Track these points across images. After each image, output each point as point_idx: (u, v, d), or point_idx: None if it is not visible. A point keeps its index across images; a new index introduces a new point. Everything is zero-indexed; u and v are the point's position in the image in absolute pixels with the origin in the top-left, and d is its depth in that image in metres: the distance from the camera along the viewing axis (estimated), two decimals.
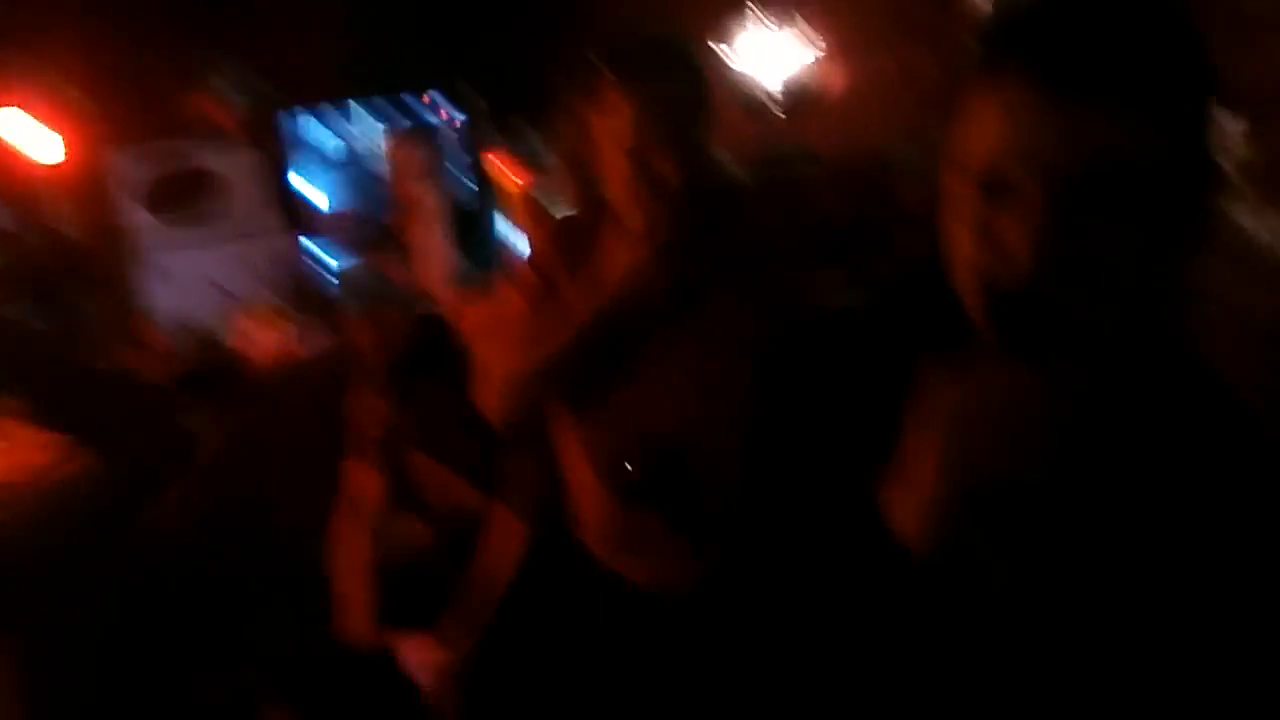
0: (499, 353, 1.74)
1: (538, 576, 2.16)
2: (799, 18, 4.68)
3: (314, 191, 4.52)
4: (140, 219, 3.63)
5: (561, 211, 2.42)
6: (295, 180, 4.36)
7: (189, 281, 3.15)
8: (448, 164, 3.62)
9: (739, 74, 4.70)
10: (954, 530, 0.76)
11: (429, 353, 2.16)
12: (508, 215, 3.02)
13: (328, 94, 4.50)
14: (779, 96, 4.77)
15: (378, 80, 4.43)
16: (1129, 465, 0.79)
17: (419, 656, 2.09)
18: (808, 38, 4.72)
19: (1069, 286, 0.72)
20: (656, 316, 1.62)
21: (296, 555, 2.60)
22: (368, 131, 4.61)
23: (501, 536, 2.21)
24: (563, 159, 1.76)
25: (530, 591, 2.13)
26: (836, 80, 4.07)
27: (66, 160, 3.32)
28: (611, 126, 1.56)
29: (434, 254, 3.23)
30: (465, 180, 4.36)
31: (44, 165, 3.24)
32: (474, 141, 4.04)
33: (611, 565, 1.79)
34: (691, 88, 1.59)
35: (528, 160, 2.99)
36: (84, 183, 3.47)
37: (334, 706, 2.25)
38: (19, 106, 3.25)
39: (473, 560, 2.32)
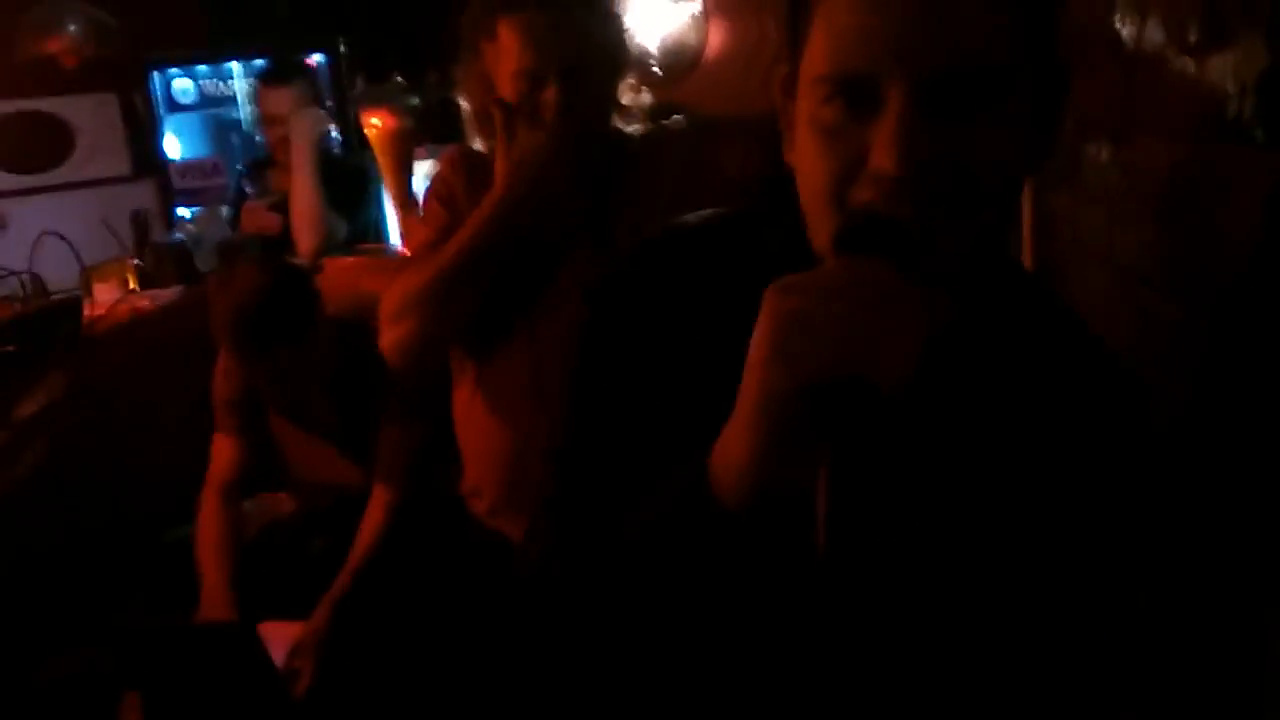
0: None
1: (406, 544, 2.09)
2: None
3: (171, 140, 4.31)
4: None
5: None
6: (151, 128, 4.14)
7: (29, 230, 2.94)
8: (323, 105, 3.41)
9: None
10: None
11: (289, 310, 2.03)
12: (383, 165, 2.89)
13: (194, 47, 4.30)
14: (657, 56, 4.76)
15: (250, 37, 4.27)
16: (978, 381, 0.78)
17: (279, 634, 2.00)
18: None
19: (929, 196, 0.69)
20: (541, 246, 1.59)
21: (149, 524, 2.48)
22: (228, 76, 4.41)
23: (369, 505, 2.14)
24: (465, 100, 1.72)
25: (397, 560, 2.07)
26: (715, 40, 4.07)
27: None
28: (500, 54, 1.54)
29: (303, 199, 3.00)
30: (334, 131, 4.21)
31: None
32: (342, 91, 3.90)
33: (495, 524, 1.75)
34: (583, 18, 1.55)
35: (399, 106, 2.88)
36: None
37: (189, 688, 2.14)
38: None
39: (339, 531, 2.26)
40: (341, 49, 4.04)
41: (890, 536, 0.75)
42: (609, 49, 1.60)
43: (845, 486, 0.66)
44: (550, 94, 1.51)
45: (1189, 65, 1.27)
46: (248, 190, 3.06)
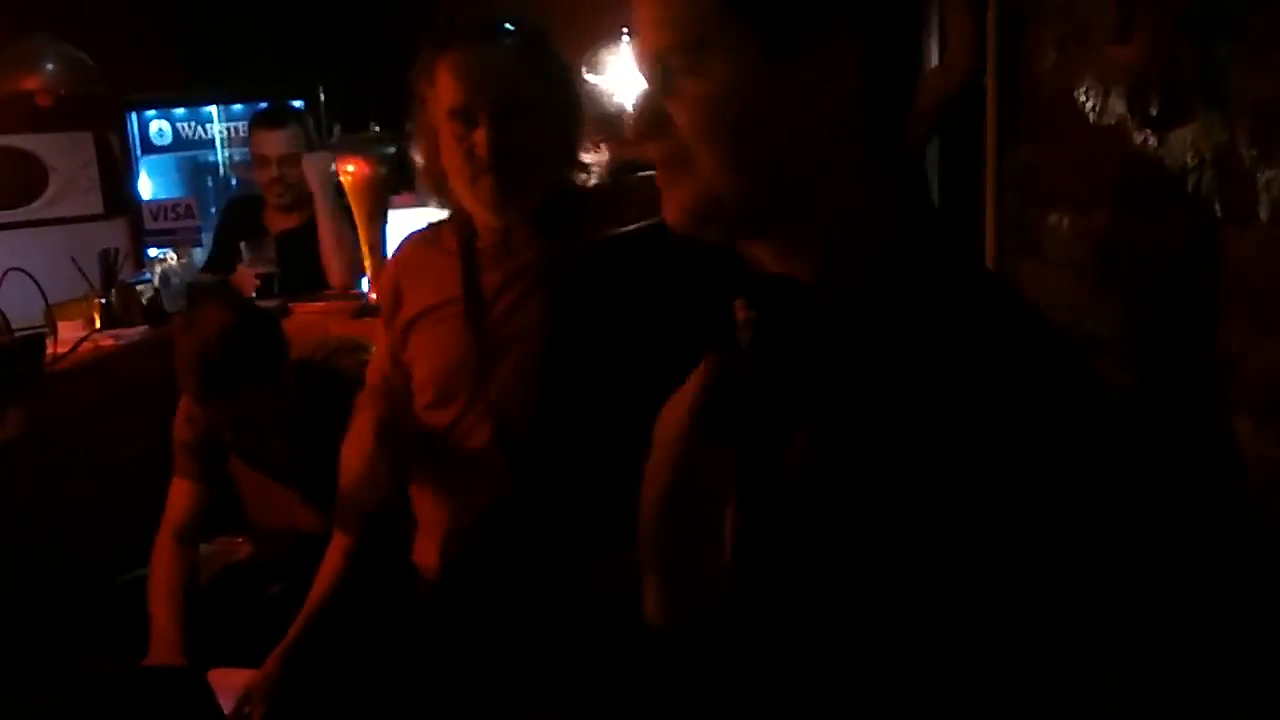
0: None
1: (361, 592, 2.07)
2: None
3: (145, 180, 4.31)
4: None
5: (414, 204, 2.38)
6: (126, 168, 4.14)
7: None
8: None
9: (602, 91, 4.77)
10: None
11: (256, 352, 2.01)
12: (356, 211, 2.91)
13: (172, 90, 4.33)
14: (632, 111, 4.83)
15: (227, 83, 4.31)
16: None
17: (229, 680, 1.97)
18: None
19: None
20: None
21: (103, 566, 2.43)
22: (205, 120, 4.43)
23: (328, 551, 2.12)
24: (417, 155, 1.72)
25: (351, 608, 2.04)
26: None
27: None
28: (437, 96, 1.54)
29: (330, 234, 3.13)
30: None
31: None
32: (320, 138, 3.92)
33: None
34: (516, 55, 1.55)
35: (374, 155, 2.89)
36: None
37: None
38: None
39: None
40: (321, 97, 4.07)
41: (802, 558, 0.77)
42: (549, 89, 1.57)
43: (753, 514, 0.69)
44: (480, 133, 1.50)
45: (1150, 138, 1.31)
46: (243, 250, 3.06)
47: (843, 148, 0.79)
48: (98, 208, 3.82)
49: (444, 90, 1.52)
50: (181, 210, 3.93)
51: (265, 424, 2.09)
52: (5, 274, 2.70)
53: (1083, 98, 1.45)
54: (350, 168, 2.86)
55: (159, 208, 3.92)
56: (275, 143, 3.27)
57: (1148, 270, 1.32)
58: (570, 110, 1.62)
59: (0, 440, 2.27)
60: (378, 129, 3.07)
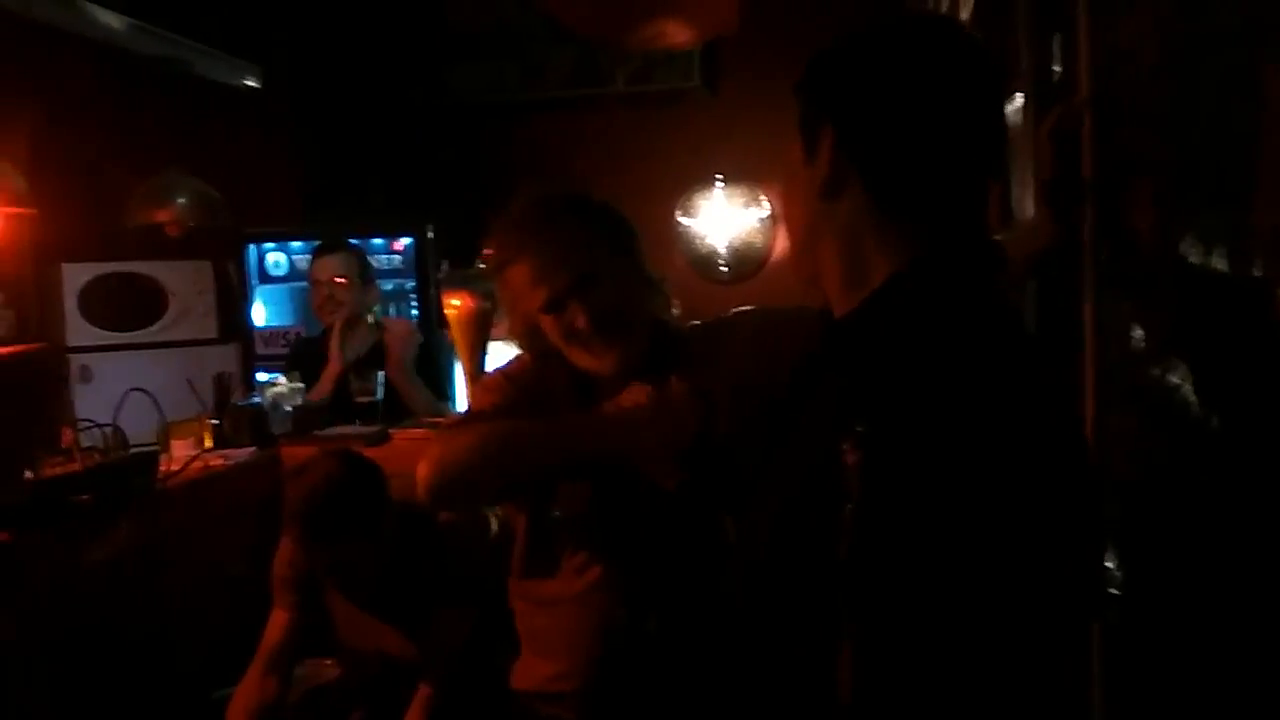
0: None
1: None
2: (751, 182, 4.90)
3: (259, 307, 4.50)
4: (75, 322, 3.56)
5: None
6: (239, 296, 4.34)
7: (113, 383, 3.06)
8: (375, 281, 3.78)
9: (694, 236, 4.92)
10: None
11: (359, 506, 2.11)
12: (457, 343, 3.02)
13: (290, 225, 4.58)
14: (725, 255, 4.95)
15: (340, 218, 4.55)
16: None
17: None
18: (757, 200, 4.92)
19: None
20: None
21: (198, 681, 2.48)
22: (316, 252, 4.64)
23: (413, 702, 2.14)
24: (505, 311, 1.82)
25: None
26: (781, 240, 4.21)
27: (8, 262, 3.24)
28: (522, 291, 1.65)
29: (410, 398, 3.39)
30: (412, 310, 4.40)
31: None
32: (427, 272, 4.10)
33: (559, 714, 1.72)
34: (587, 233, 1.66)
35: (479, 290, 3.01)
36: (23, 286, 3.40)
37: None
38: None
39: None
40: (429, 233, 4.26)
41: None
42: (613, 245, 1.68)
43: None
44: (575, 311, 1.61)
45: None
46: (350, 379, 3.28)
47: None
48: (212, 332, 3.99)
49: (527, 293, 1.64)
50: (290, 338, 4.10)
51: (364, 565, 2.16)
52: (126, 394, 2.84)
53: (1184, 253, 1.46)
54: (455, 301, 2.98)
55: (270, 334, 4.10)
56: (327, 267, 3.56)
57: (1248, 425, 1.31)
58: (637, 253, 1.72)
59: (111, 553, 2.35)
60: (482, 264, 3.21)
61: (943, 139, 0.96)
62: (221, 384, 3.16)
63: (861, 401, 0.86)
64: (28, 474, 2.20)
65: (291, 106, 4.79)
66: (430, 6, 4.95)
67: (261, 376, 3.73)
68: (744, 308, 1.86)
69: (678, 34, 3.56)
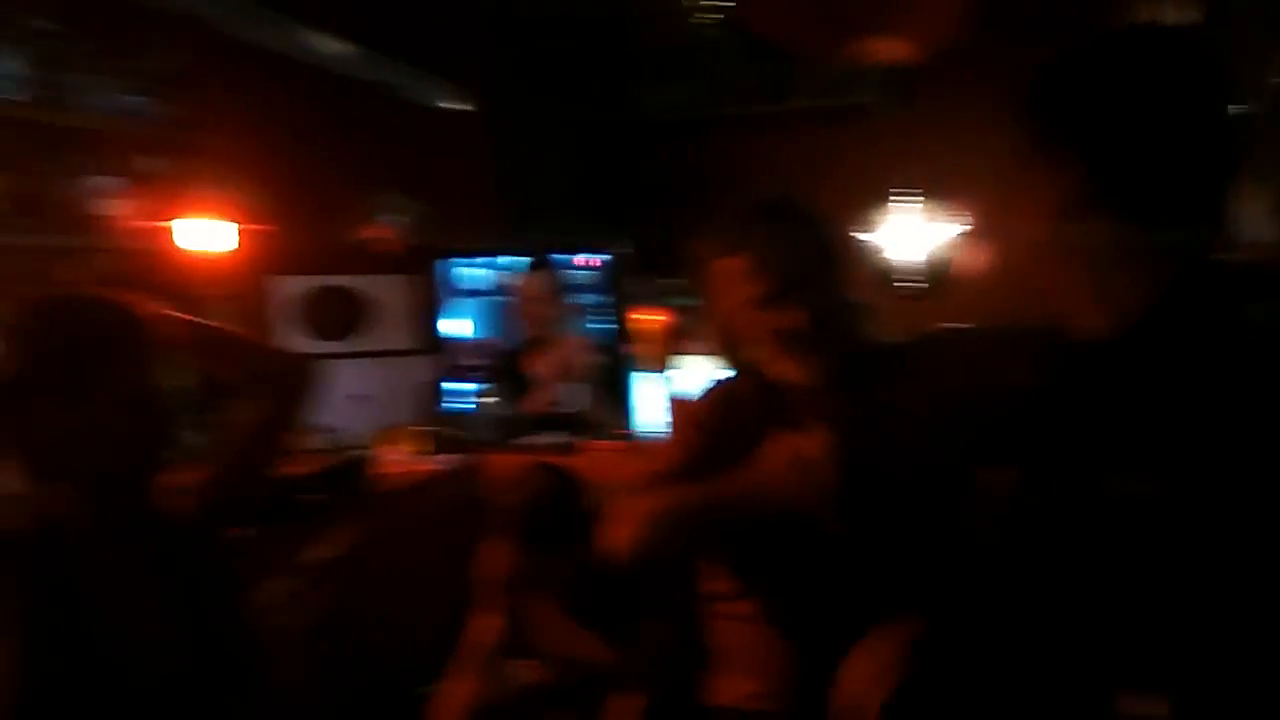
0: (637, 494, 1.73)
1: None
2: (941, 197, 4.79)
3: (458, 322, 4.66)
4: (292, 335, 3.77)
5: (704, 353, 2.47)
6: (441, 310, 4.52)
7: (333, 394, 3.25)
8: (578, 299, 3.98)
9: (879, 254, 4.86)
10: None
11: (566, 506, 2.26)
12: (646, 357, 3.08)
13: (485, 242, 4.74)
14: (920, 274, 4.85)
15: (539, 234, 4.69)
16: None
17: None
18: (950, 215, 4.81)
19: None
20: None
21: (406, 677, 2.58)
22: (514, 267, 4.78)
23: (616, 708, 2.17)
24: (707, 313, 1.82)
25: None
26: (977, 257, 4.09)
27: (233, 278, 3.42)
28: (735, 286, 1.64)
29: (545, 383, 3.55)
30: (605, 324, 4.48)
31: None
32: (616, 288, 4.18)
33: None
34: (803, 237, 1.66)
35: (669, 306, 3.06)
36: (245, 300, 3.59)
37: None
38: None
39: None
40: (625, 249, 4.34)
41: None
42: (826, 255, 1.67)
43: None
44: (786, 311, 1.60)
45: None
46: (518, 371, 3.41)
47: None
48: (407, 343, 4.15)
49: (740, 287, 1.63)
50: (485, 349, 4.23)
51: (573, 571, 2.24)
52: (343, 399, 3.01)
53: None
54: (648, 316, 3.04)
55: (461, 346, 4.24)
56: (535, 282, 3.88)
57: None
58: (844, 268, 1.71)
59: (327, 556, 2.48)
60: (673, 280, 3.26)
61: (1191, 155, 0.95)
62: (425, 392, 3.31)
63: (1162, 429, 0.88)
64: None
65: (491, 125, 4.95)
66: (619, 27, 5.05)
67: (461, 387, 3.88)
68: (947, 324, 1.82)
69: (896, 48, 3.52)
